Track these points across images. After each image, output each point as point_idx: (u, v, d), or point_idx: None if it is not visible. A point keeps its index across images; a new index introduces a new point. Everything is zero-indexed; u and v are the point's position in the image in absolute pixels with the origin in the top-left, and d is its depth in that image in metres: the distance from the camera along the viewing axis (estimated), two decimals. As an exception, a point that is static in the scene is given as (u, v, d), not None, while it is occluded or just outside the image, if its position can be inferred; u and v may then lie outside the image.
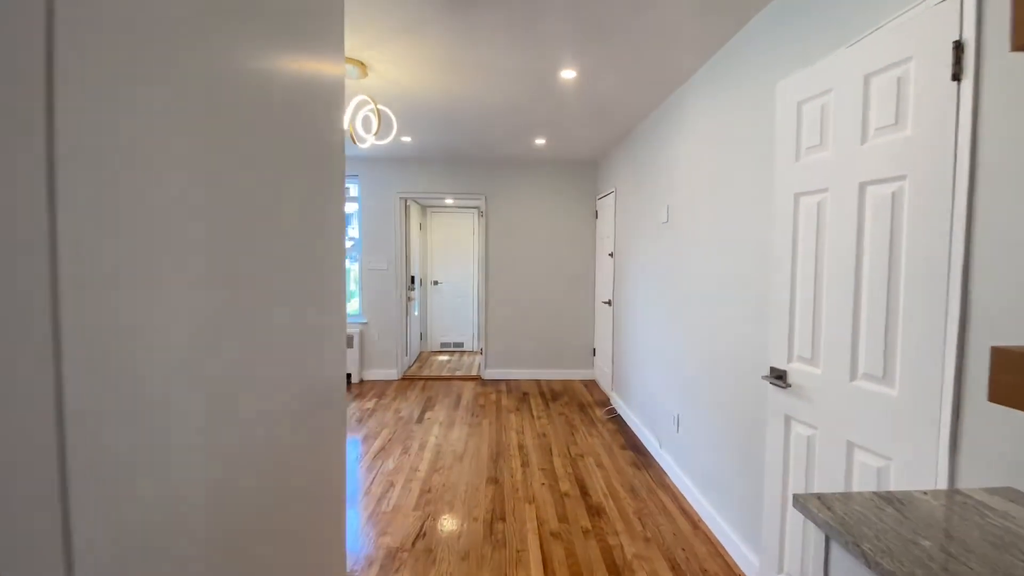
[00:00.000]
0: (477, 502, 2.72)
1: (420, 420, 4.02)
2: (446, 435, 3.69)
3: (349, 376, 5.14)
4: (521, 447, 3.48)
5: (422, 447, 3.47)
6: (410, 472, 3.07)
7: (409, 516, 2.57)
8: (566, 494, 2.82)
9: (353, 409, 4.28)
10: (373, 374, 5.25)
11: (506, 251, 5.24)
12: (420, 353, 6.53)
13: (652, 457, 3.31)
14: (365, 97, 2.62)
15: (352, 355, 5.11)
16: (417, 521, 2.52)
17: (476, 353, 6.45)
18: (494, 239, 5.24)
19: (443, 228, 6.75)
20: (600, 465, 3.20)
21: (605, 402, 4.52)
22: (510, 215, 5.22)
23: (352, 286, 5.35)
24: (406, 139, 4.27)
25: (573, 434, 3.73)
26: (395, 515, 2.58)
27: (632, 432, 3.76)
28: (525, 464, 3.20)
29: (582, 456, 3.33)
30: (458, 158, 5.07)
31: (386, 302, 5.24)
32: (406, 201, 5.54)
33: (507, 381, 5.23)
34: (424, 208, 6.66)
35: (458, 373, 5.52)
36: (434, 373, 5.52)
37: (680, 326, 2.88)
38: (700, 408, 2.60)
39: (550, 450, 3.43)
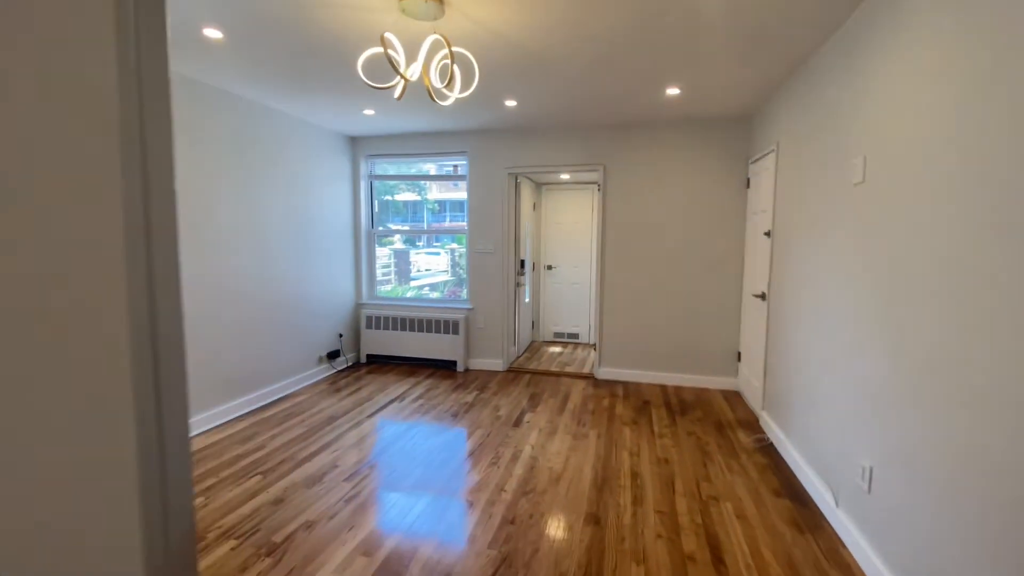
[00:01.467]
0: (569, 550, 2.11)
1: (518, 423, 3.51)
2: (544, 446, 3.13)
3: (454, 364, 4.86)
4: (635, 475, 2.77)
5: (514, 458, 2.96)
6: (494, 492, 2.58)
7: (481, 556, 2.07)
8: (691, 557, 2.07)
9: (451, 402, 3.94)
10: (478, 363, 4.90)
11: (628, 230, 4.46)
12: (531, 343, 6.06)
13: (822, 516, 2.37)
14: (438, 36, 2.11)
15: (457, 342, 4.80)
16: (489, 566, 2.01)
17: (591, 347, 5.77)
18: (613, 216, 4.48)
19: (559, 207, 6.14)
20: (742, 516, 2.36)
21: (752, 424, 3.55)
22: (633, 187, 4.40)
23: (459, 272, 5.04)
24: (510, 103, 3.72)
25: (706, 464, 2.90)
26: (467, 551, 2.09)
27: (790, 472, 2.80)
28: (637, 501, 2.50)
29: (716, 499, 2.52)
30: (572, 124, 4.39)
31: (492, 288, 4.82)
32: (516, 178, 5.03)
33: (625, 384, 4.49)
34: (538, 186, 6.11)
35: (568, 369, 4.91)
36: (542, 367, 4.99)
37: (883, 338, 1.91)
38: (921, 468, 1.65)
39: (672, 484, 2.67)
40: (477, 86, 3.26)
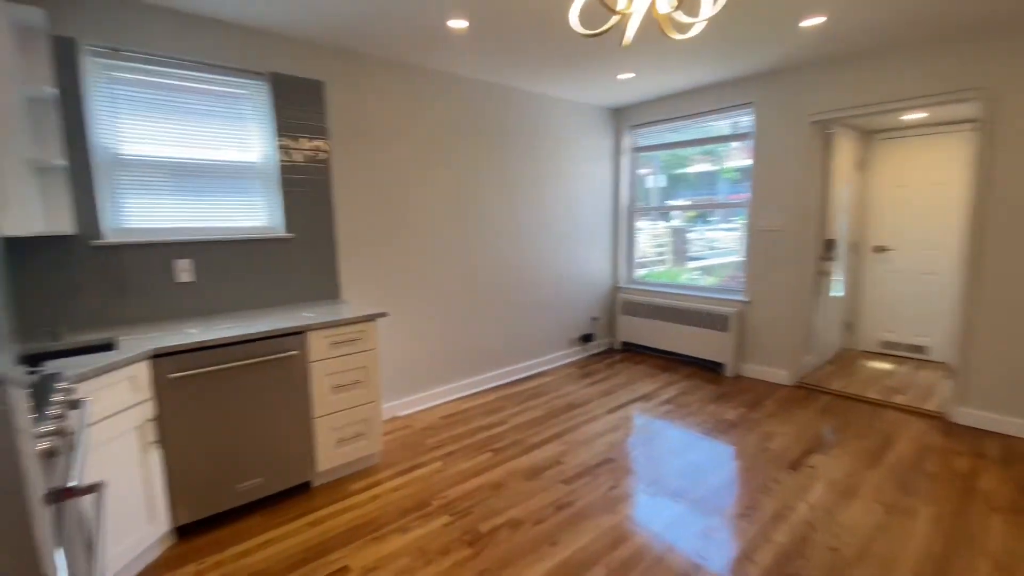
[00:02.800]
0: None
1: (797, 466, 2.58)
2: (832, 511, 2.18)
3: (720, 366, 4.05)
4: (1007, 616, 1.60)
5: (779, 517, 2.15)
6: (737, 561, 1.90)
7: (693, 653, 1.50)
8: None
9: (706, 415, 3.25)
10: (754, 370, 3.94)
11: (1037, 193, 2.69)
12: (840, 352, 4.54)
13: None
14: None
15: (725, 341, 3.97)
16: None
17: (944, 369, 3.89)
18: (1007, 174, 2.77)
19: (903, 163, 4.30)
20: None
21: None
22: (1058, 119, 2.60)
23: (735, 256, 4.12)
24: (811, 21, 2.65)
25: None
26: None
27: None
28: (1007, 672, 1.41)
29: None
30: (916, 35, 2.87)
31: (779, 276, 3.74)
32: (827, 128, 3.72)
33: (1005, 439, 2.81)
34: (867, 135, 4.42)
35: (899, 399, 3.41)
36: (853, 388, 3.62)
37: None
38: None
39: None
40: None
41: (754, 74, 3.67)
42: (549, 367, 4.32)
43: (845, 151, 4.08)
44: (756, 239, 3.85)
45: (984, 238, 2.87)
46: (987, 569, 1.80)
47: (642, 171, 4.75)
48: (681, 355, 4.34)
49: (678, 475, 2.51)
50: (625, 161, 4.68)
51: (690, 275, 4.83)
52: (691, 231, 4.78)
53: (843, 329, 4.55)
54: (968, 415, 2.99)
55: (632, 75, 3.58)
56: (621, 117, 4.64)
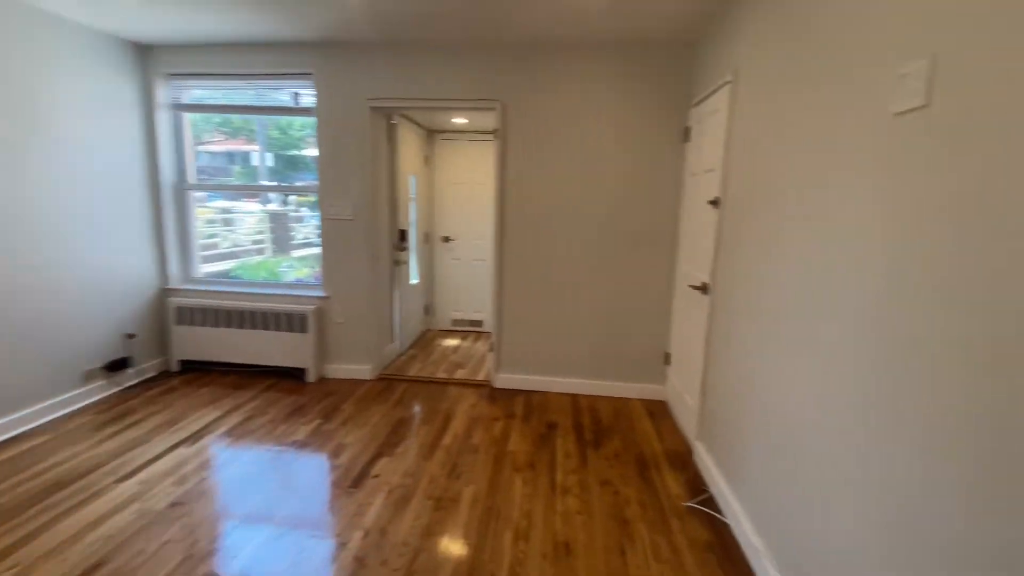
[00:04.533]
0: None
1: (360, 480, 2.37)
2: (386, 530, 2.02)
3: (303, 372, 3.59)
4: (514, 589, 1.75)
5: (330, 559, 1.82)
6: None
7: None
8: None
9: (274, 439, 2.72)
10: (338, 370, 3.67)
11: (533, 192, 3.34)
12: (424, 333, 4.89)
13: (801, 665, 1.47)
14: None
15: (305, 343, 3.53)
16: None
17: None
18: (515, 173, 3.34)
19: (457, 163, 4.88)
20: None
21: (684, 458, 2.66)
22: (540, 134, 3.26)
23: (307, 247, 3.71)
24: (350, -12, 2.38)
25: (624, 549, 1.94)
26: None
27: (743, 560, 1.91)
28: (510, 661, 1.47)
29: (639, 641, 1.55)
30: (454, 38, 3.13)
31: (355, 268, 3.55)
32: (390, 117, 3.71)
33: (528, 395, 3.47)
34: (429, 133, 4.80)
35: (460, 374, 3.82)
36: (427, 371, 3.85)
37: (948, 393, 0.94)
38: None
39: (572, 606, 1.67)
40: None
41: (314, 41, 3.25)
42: (39, 423, 2.83)
43: (412, 144, 4.25)
44: (330, 229, 3.53)
45: (504, 231, 3.39)
46: (509, 541, 1.97)
47: (212, 142, 3.68)
48: (259, 367, 3.65)
49: (216, 545, 1.87)
50: (163, 121, 3.51)
51: (291, 265, 4.22)
52: (295, 216, 4.15)
53: (424, 312, 4.90)
54: (505, 379, 3.56)
55: (134, -5, 2.54)
56: (152, 60, 3.42)
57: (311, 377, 3.58)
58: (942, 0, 1.05)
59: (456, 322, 5.06)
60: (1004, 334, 0.87)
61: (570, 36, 3.00)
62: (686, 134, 3.10)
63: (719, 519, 2.12)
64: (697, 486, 2.38)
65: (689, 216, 2.99)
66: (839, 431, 1.35)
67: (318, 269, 3.71)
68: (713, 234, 2.48)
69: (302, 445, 2.68)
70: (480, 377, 3.73)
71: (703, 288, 2.60)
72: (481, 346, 4.53)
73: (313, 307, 3.52)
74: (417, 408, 3.20)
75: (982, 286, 0.92)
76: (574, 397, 3.44)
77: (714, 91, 2.58)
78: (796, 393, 1.60)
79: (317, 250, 3.66)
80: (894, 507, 1.12)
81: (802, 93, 1.64)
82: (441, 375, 3.76)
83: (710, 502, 2.24)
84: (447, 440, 2.77)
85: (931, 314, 1.04)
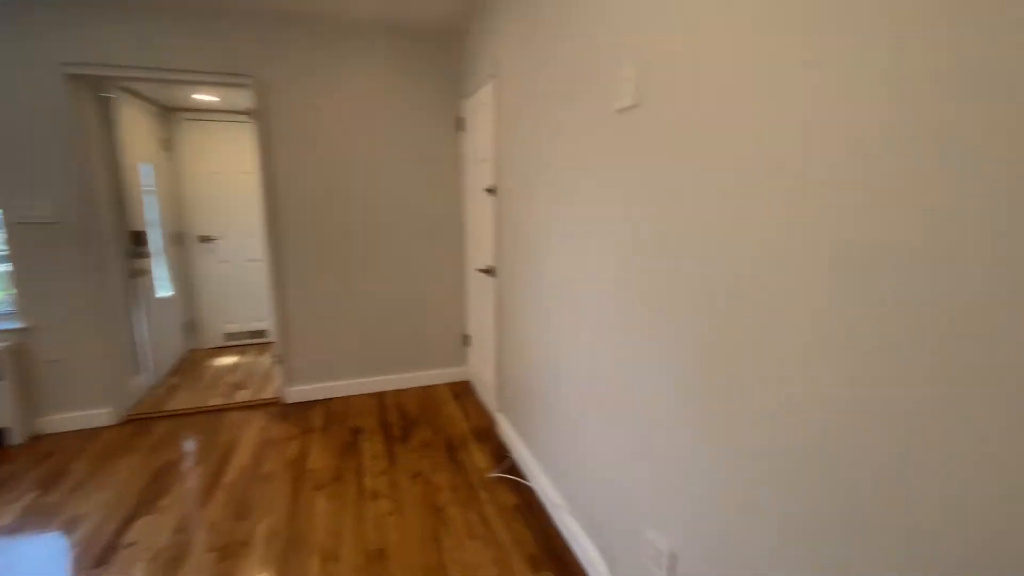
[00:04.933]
0: None
1: (108, 555, 1.86)
2: (153, 604, 1.63)
3: (4, 433, 2.64)
4: (326, 617, 1.60)
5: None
6: None
7: None
8: None
9: (-46, 538, 1.93)
10: (61, 423, 2.81)
11: (306, 182, 3.04)
12: (187, 355, 4.09)
13: (595, 589, 1.70)
14: None
15: (1, 395, 2.59)
16: None
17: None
18: (282, 160, 2.98)
19: (211, 148, 4.14)
20: (499, 644, 1.49)
21: (488, 432, 2.81)
22: (309, 119, 2.97)
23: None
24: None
25: (439, 536, 1.95)
26: None
27: (545, 517, 2.11)
28: None
29: (460, 622, 1.59)
30: (187, 2, 2.61)
31: (70, 284, 2.73)
32: (101, 91, 2.92)
33: (328, 404, 3.21)
34: (167, 113, 3.96)
35: (242, 395, 3.31)
36: (194, 402, 3.22)
37: (676, 344, 1.19)
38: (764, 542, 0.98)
39: (391, 613, 1.61)
40: None
41: (-56, -25, 2.31)
42: None
43: (141, 125, 3.43)
44: (21, 236, 2.62)
45: (278, 224, 3.02)
46: (318, 564, 1.79)
47: None
48: (-89, 439, 2.54)
49: None
50: None
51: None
52: None
53: (185, 331, 4.09)
54: (299, 392, 3.22)
55: None
56: None
57: (17, 438, 2.65)
58: (653, 17, 1.26)
59: (231, 336, 4.36)
60: (692, 287, 1.11)
61: (336, 13, 2.77)
62: (461, 124, 3.20)
63: (523, 483, 2.31)
64: (502, 455, 2.55)
65: (473, 204, 3.12)
66: (606, 383, 1.57)
67: (10, 292, 2.73)
68: (492, 220, 2.63)
69: (12, 531, 1.97)
70: (268, 395, 3.30)
71: (489, 271, 2.75)
72: (267, 359, 4.01)
73: (6, 344, 2.60)
74: (187, 447, 2.66)
75: (673, 244, 1.15)
76: (380, 396, 3.31)
77: (481, 84, 2.70)
78: (569, 356, 1.81)
79: (6, 267, 2.69)
80: (639, 440, 1.37)
81: (555, 89, 1.82)
82: (216, 401, 3.19)
83: (514, 469, 2.42)
84: (230, 476, 2.38)
85: (655, 269, 1.27)
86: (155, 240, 3.56)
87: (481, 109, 2.74)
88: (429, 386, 3.46)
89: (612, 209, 1.45)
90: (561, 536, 1.95)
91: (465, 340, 3.49)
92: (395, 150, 3.14)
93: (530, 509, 2.12)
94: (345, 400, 3.24)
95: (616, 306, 1.46)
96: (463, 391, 3.37)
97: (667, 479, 1.27)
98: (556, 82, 1.78)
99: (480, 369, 3.18)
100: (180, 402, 3.18)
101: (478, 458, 2.53)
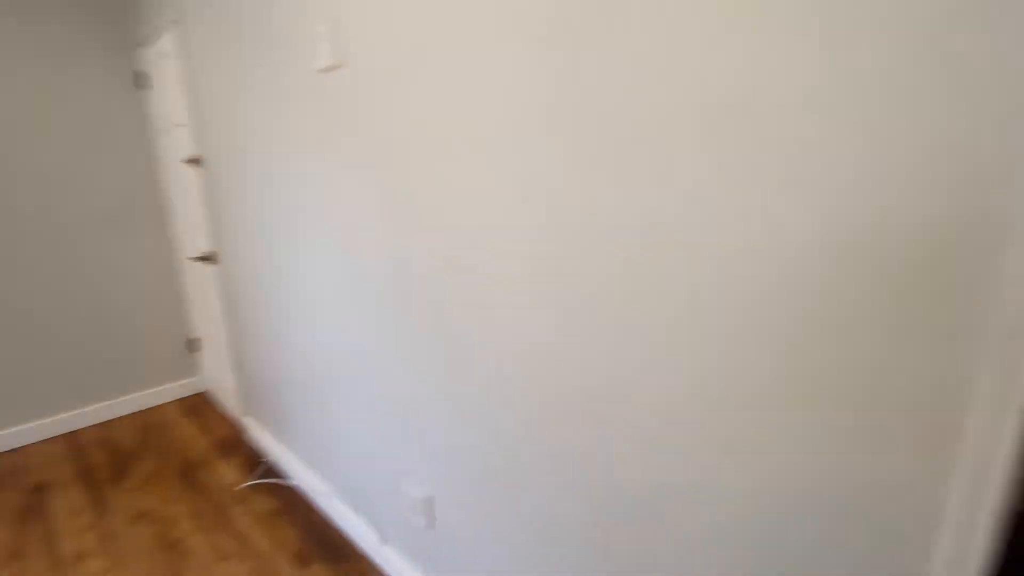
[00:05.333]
0: None
1: None
2: None
3: None
4: None
5: None
6: None
7: None
8: None
9: None
10: None
11: None
12: None
13: (368, 560, 1.70)
14: None
15: None
16: None
17: None
18: None
19: None
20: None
21: (236, 442, 2.47)
22: None
23: None
24: None
25: (178, 569, 1.65)
26: None
27: (310, 509, 1.99)
28: None
29: (214, 657, 1.39)
30: None
31: None
32: None
33: (-20, 463, 2.32)
34: None
35: None
36: None
37: (419, 297, 1.24)
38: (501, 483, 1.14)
39: None
40: None
41: None
42: None
43: None
44: None
45: None
46: None
47: None
48: None
49: None
50: None
51: None
52: None
53: None
54: (-82, 461, 2.22)
55: None
56: None
57: None
58: (325, -29, 1.20)
59: None
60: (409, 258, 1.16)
61: None
62: (141, 80, 2.58)
63: (284, 484, 2.12)
64: (255, 462, 2.28)
65: (175, 179, 2.58)
66: (354, 358, 1.54)
67: None
68: (202, 196, 2.24)
69: None
70: None
71: (209, 257, 2.35)
72: None
73: None
74: None
75: (391, 212, 1.19)
76: (71, 435, 2.55)
77: (163, 30, 2.20)
78: (315, 338, 1.71)
79: None
80: (390, 403, 1.40)
81: (255, 48, 1.60)
82: None
83: (271, 471, 2.20)
84: None
85: (380, 244, 1.28)
86: None
87: (164, 62, 2.25)
88: (151, 408, 2.83)
89: (331, 177, 1.38)
90: (330, 523, 1.88)
91: (192, 345, 2.94)
92: (44, 115, 2.34)
93: (294, 508, 1.97)
94: (15, 454, 2.39)
95: (347, 279, 1.43)
96: (198, 405, 2.87)
97: (416, 433, 1.34)
98: (258, 40, 1.58)
99: (217, 375, 2.74)
100: None
101: (225, 473, 2.21)
